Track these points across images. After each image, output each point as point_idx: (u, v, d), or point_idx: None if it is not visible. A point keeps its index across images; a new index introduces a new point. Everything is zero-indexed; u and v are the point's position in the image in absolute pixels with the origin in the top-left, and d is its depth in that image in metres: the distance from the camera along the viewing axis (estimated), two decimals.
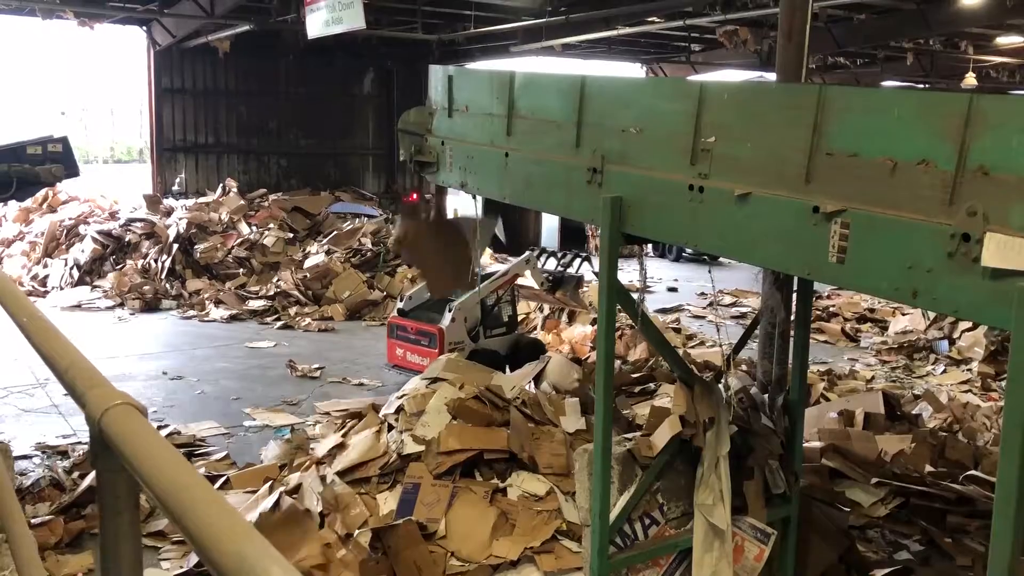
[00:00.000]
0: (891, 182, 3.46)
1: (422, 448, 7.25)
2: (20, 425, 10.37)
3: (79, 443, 9.74)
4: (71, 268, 19.68)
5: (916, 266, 3.34)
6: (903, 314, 16.40)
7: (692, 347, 14.16)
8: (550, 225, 30.00)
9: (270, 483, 7.99)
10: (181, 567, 7.00)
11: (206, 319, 17.35)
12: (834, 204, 3.65)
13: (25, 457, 9.25)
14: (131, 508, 1.05)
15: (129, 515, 1.04)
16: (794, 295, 5.94)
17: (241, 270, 19.69)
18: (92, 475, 8.26)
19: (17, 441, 9.49)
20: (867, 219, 3.54)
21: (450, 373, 8.18)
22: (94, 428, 1.04)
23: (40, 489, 8.26)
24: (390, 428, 7.71)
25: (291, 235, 21.02)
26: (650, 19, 19.20)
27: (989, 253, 3.09)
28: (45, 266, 20.21)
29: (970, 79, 21.49)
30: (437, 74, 6.88)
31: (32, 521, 7.21)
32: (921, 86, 24.90)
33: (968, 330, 14.36)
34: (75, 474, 8.64)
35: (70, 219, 21.41)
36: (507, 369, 11.18)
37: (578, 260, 12.64)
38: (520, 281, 12.52)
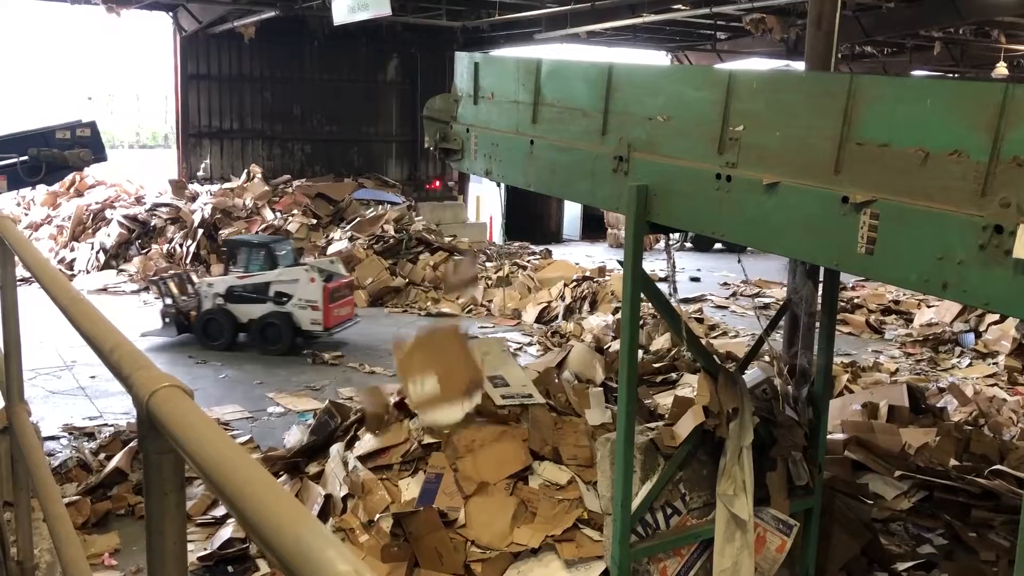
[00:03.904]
0: (922, 172, 3.42)
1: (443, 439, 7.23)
2: (47, 406, 10.51)
3: (105, 425, 9.87)
4: (97, 252, 19.89)
5: (946, 258, 3.31)
6: (928, 306, 16.24)
7: (714, 337, 14.10)
8: (572, 214, 29.97)
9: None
10: (205, 549, 7.08)
11: None
12: (864, 194, 3.62)
13: (53, 438, 9.39)
14: (177, 489, 1.07)
15: (175, 496, 1.06)
16: (819, 286, 5.91)
17: None
18: (118, 456, 8.38)
19: (45, 422, 9.62)
20: (897, 210, 3.50)
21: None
22: (141, 409, 1.06)
23: (67, 470, 8.38)
24: (412, 416, 7.73)
25: (314, 221, 21.13)
26: (676, 6, 19.05)
27: (1022, 245, 3.05)
28: (72, 250, 20.44)
29: (1001, 68, 21.16)
30: (463, 61, 6.86)
31: None
32: (950, 75, 24.57)
33: (995, 323, 14.21)
34: (101, 455, 8.76)
35: (97, 203, 21.63)
36: None
37: None
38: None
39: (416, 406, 7.04)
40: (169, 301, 14.41)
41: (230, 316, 13.84)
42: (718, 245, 24.22)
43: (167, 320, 14.13)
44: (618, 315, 13.83)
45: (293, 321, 13.66)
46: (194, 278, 15.34)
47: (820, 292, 5.90)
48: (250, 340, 13.86)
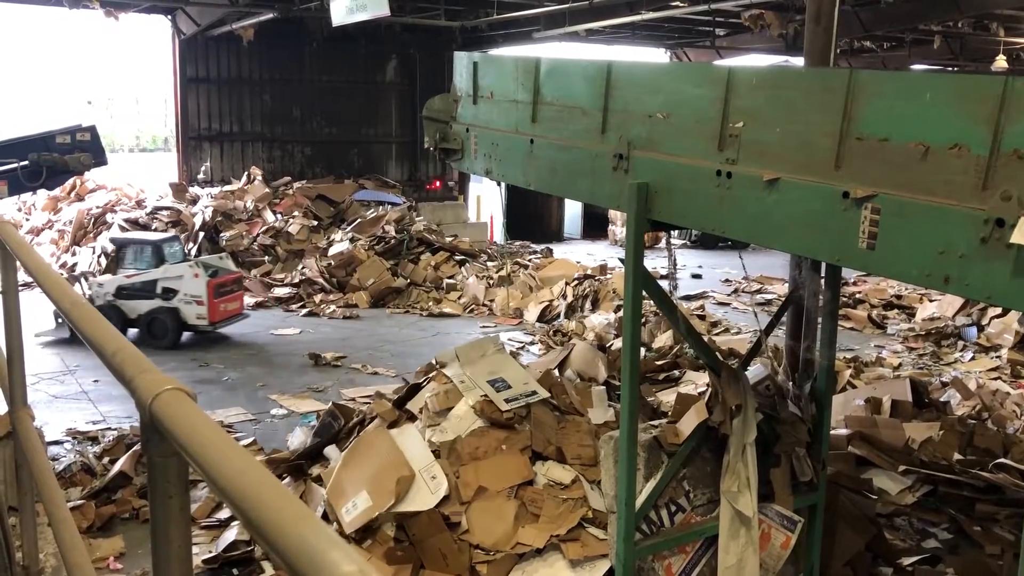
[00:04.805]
0: (923, 167, 3.42)
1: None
2: (51, 411, 10.52)
3: (109, 429, 9.88)
4: (99, 256, 19.87)
5: (948, 252, 3.31)
6: (930, 301, 16.23)
7: (717, 334, 14.09)
8: (573, 213, 29.96)
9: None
10: (210, 551, 7.09)
11: None
12: (864, 189, 3.62)
13: (56, 443, 9.39)
14: (181, 492, 1.07)
15: (179, 499, 1.06)
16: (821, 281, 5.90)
17: (266, 258, 19.84)
18: (122, 460, 8.39)
19: (48, 427, 9.63)
20: (898, 204, 3.50)
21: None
22: (144, 413, 1.06)
23: (71, 474, 8.39)
24: (412, 419, 7.69)
25: (315, 223, 21.12)
26: (674, 3, 19.03)
27: (1021, 233, 3.04)
28: (73, 254, 20.44)
29: (1000, 61, 21.12)
30: (462, 61, 6.86)
31: None
32: (950, 69, 24.54)
33: (997, 317, 14.19)
34: (105, 459, 8.76)
35: (97, 207, 21.64)
36: None
37: None
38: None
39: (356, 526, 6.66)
40: None
41: (119, 312, 14.18)
42: (722, 242, 24.14)
43: (60, 320, 14.25)
44: (620, 313, 13.84)
45: (180, 316, 14.16)
46: (90, 278, 15.60)
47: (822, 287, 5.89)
48: (139, 335, 14.23)
